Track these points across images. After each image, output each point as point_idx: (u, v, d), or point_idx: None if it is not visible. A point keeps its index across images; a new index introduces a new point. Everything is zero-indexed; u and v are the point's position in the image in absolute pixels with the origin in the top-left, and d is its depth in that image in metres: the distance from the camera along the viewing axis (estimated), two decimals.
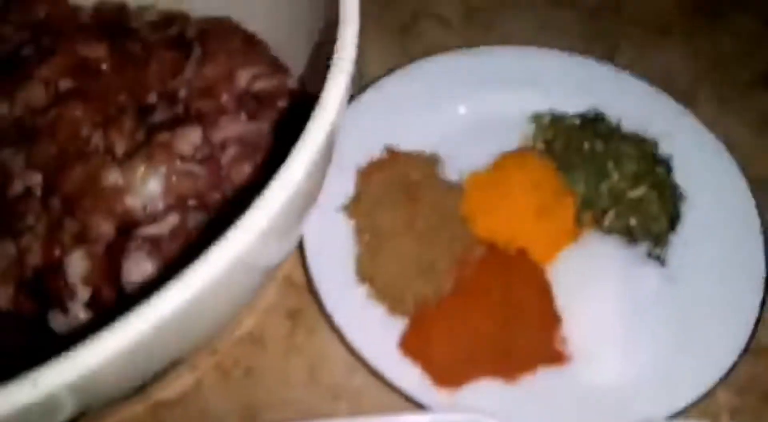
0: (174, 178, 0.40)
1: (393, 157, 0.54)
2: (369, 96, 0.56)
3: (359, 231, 0.50)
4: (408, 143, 0.55)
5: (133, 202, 0.39)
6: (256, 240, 0.29)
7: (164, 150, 0.40)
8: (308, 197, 0.36)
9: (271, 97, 0.45)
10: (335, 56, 0.33)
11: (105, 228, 0.39)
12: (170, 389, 0.46)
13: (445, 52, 0.59)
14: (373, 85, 0.56)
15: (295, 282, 0.50)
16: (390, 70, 0.58)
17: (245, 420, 0.46)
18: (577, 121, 0.56)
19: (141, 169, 0.39)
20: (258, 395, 0.47)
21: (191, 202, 0.40)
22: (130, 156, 0.40)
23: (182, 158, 0.41)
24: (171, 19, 0.51)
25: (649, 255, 0.51)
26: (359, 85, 0.57)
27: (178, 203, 0.40)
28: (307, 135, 0.31)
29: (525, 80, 0.58)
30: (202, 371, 0.47)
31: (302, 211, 0.36)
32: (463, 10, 0.66)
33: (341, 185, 0.52)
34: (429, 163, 0.54)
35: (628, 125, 0.56)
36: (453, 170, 0.54)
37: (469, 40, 0.63)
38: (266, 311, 0.49)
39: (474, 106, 0.57)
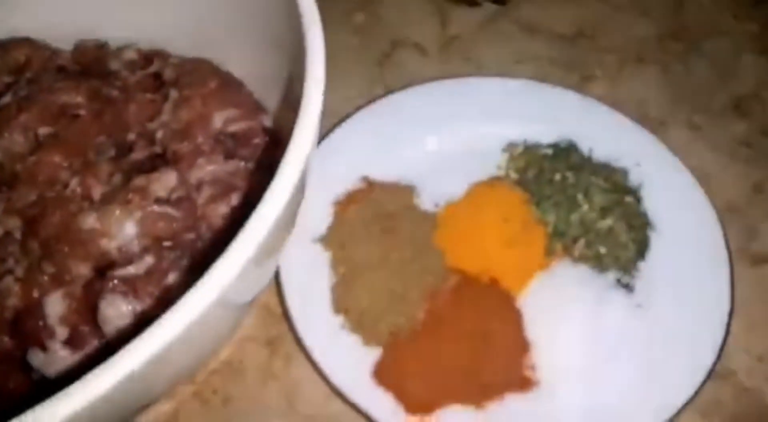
0: (149, 221, 0.41)
1: (369, 187, 0.56)
2: (346, 127, 0.57)
3: (335, 263, 0.51)
4: (384, 174, 0.56)
5: (109, 244, 0.41)
6: (233, 281, 0.30)
7: (140, 194, 0.41)
8: (282, 232, 0.38)
9: (247, 137, 0.47)
10: (303, 97, 0.35)
11: (82, 270, 0.40)
12: (148, 417, 0.48)
13: (422, 83, 0.61)
14: (350, 116, 0.58)
15: (273, 311, 0.52)
16: (368, 100, 0.60)
17: None
18: (550, 151, 0.57)
19: (117, 213, 0.41)
20: None
21: (167, 243, 0.42)
22: (106, 200, 0.42)
23: (158, 200, 0.42)
24: (150, 58, 0.53)
25: (618, 282, 0.52)
26: (337, 117, 0.58)
27: (153, 244, 0.41)
28: (278, 177, 0.33)
29: (500, 110, 0.60)
30: (180, 400, 0.48)
31: (276, 245, 0.38)
32: (441, 40, 0.68)
33: (318, 216, 0.54)
34: (405, 193, 0.56)
35: (600, 154, 0.57)
36: (429, 200, 0.56)
37: (446, 70, 0.65)
38: (244, 340, 0.51)
39: (450, 136, 0.59)
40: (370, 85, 0.65)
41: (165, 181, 0.43)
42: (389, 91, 0.61)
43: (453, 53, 0.67)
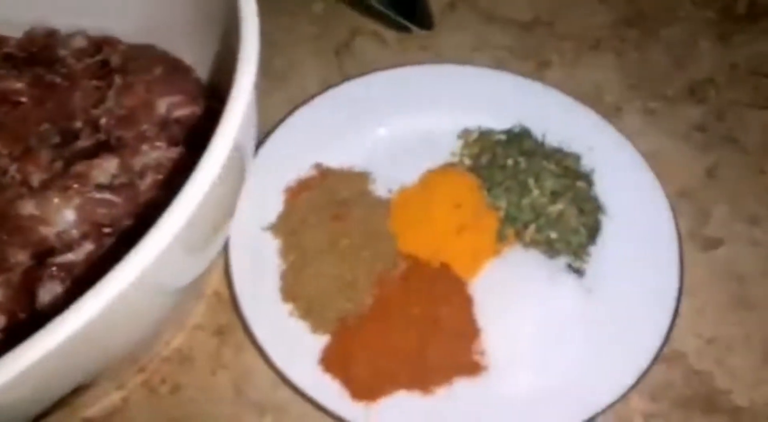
0: (89, 207, 0.41)
1: (322, 174, 0.56)
2: (300, 114, 0.57)
3: (284, 250, 0.51)
4: (339, 161, 0.56)
5: (48, 231, 0.41)
6: (154, 265, 0.30)
7: (79, 180, 0.41)
8: (213, 217, 0.37)
9: (192, 123, 0.47)
10: (235, 78, 0.35)
11: (21, 257, 0.40)
12: (97, 407, 0.48)
13: (378, 70, 0.61)
14: (305, 103, 0.58)
15: (224, 299, 0.52)
16: (326, 88, 0.59)
17: None
18: (503, 137, 0.57)
19: (55, 200, 0.40)
20: (185, 411, 0.48)
21: (107, 230, 0.42)
22: (46, 187, 0.41)
23: (98, 187, 0.42)
24: (100, 45, 0.52)
25: (569, 267, 0.52)
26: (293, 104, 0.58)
27: (93, 231, 0.41)
28: (203, 161, 0.33)
29: (455, 97, 0.60)
30: (129, 389, 0.48)
31: (206, 231, 0.38)
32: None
33: (269, 203, 0.53)
34: (359, 179, 0.56)
35: (554, 140, 0.58)
36: (383, 186, 0.56)
37: (404, 58, 0.65)
38: (194, 328, 0.51)
39: (405, 123, 0.59)
40: (327, 75, 0.64)
41: (106, 167, 0.43)
42: (346, 79, 0.60)
43: (411, 42, 0.67)
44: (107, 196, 0.41)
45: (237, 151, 0.34)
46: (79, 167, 0.42)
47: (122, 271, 0.29)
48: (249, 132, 0.37)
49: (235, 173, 0.37)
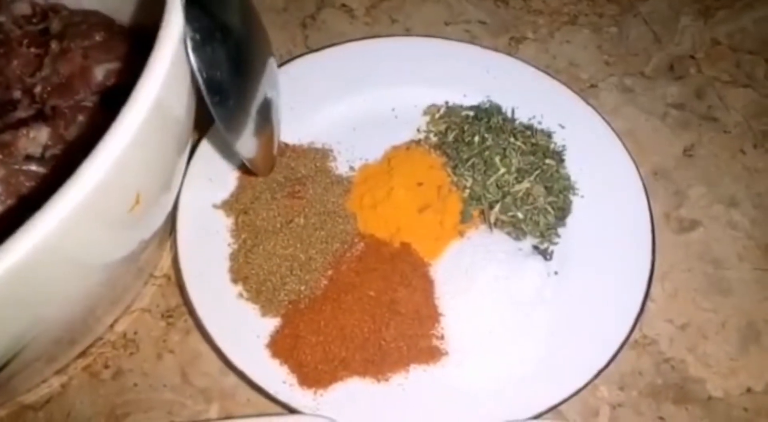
0: (13, 180, 0.38)
1: (280, 150, 0.53)
2: None
3: (236, 230, 0.49)
4: (298, 136, 0.54)
5: None
6: (55, 234, 0.28)
7: (4, 150, 0.39)
8: (138, 183, 0.34)
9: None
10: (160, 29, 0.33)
11: None
12: (37, 393, 0.45)
13: (344, 43, 0.58)
14: None
15: (175, 282, 0.49)
16: (287, 61, 0.57)
17: None
18: (471, 113, 0.55)
19: None
20: (127, 397, 0.46)
21: (34, 203, 0.39)
22: None
23: (27, 158, 0.39)
24: (45, 12, 0.49)
25: (535, 249, 0.50)
26: None
27: (18, 205, 0.38)
28: (119, 118, 0.30)
29: (422, 71, 0.57)
30: (69, 374, 0.46)
31: (130, 199, 0.35)
32: (369, 0, 0.65)
33: (222, 181, 0.51)
34: (318, 156, 0.53)
35: (524, 117, 0.55)
36: (344, 164, 0.53)
37: (372, 32, 0.62)
38: (141, 311, 0.48)
39: (370, 98, 0.56)
40: (292, 48, 0.62)
41: (36, 138, 0.40)
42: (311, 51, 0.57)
43: (381, 14, 0.64)
44: (33, 167, 0.39)
45: (158, 113, 0.31)
46: (4, 136, 0.39)
47: (18, 240, 0.26)
48: (177, 94, 0.34)
49: (162, 140, 0.34)
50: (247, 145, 0.42)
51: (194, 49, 0.34)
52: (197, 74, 0.35)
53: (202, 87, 0.35)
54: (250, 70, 0.42)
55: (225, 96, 0.37)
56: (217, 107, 0.37)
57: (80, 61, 0.43)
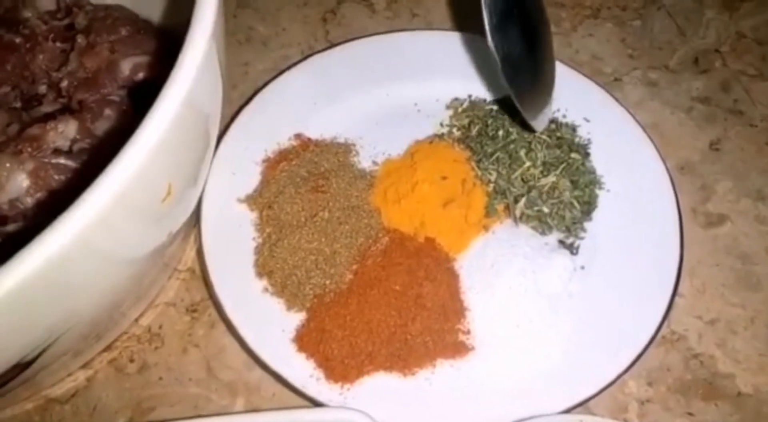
0: (43, 173, 0.38)
1: (303, 145, 0.53)
2: (281, 82, 0.54)
3: (261, 224, 0.49)
4: (321, 131, 0.53)
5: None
6: (92, 224, 0.28)
7: (32, 144, 0.38)
8: (169, 177, 0.34)
9: (159, 86, 0.44)
10: (191, 27, 0.32)
11: None
12: (62, 387, 0.45)
13: (365, 37, 0.58)
14: (287, 70, 0.55)
15: (199, 276, 0.49)
16: (309, 55, 0.56)
17: (137, 416, 0.44)
18: (495, 107, 0.54)
19: (6, 164, 0.38)
20: (152, 391, 0.46)
21: (65, 196, 0.39)
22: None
23: (56, 152, 0.39)
24: (69, 8, 0.49)
25: (561, 244, 0.50)
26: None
27: (49, 198, 0.38)
28: (150, 114, 0.30)
29: (446, 66, 0.57)
30: (95, 368, 0.46)
31: (161, 193, 0.35)
32: None
33: (246, 175, 0.51)
34: (341, 151, 0.53)
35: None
36: (367, 158, 0.53)
37: (393, 26, 0.62)
38: (166, 305, 0.48)
39: (392, 92, 0.56)
40: (312, 42, 0.62)
41: (64, 131, 0.40)
42: (333, 46, 0.57)
43: (401, 8, 0.64)
44: (62, 161, 0.39)
45: (190, 108, 0.31)
46: (32, 130, 0.39)
47: (55, 232, 0.26)
48: (207, 89, 0.34)
49: (192, 134, 0.34)
50: (540, 120, 0.46)
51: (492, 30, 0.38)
52: (493, 53, 0.38)
53: (499, 65, 0.39)
54: (542, 44, 0.44)
55: (520, 72, 0.40)
56: (514, 85, 0.40)
57: (107, 55, 0.43)
